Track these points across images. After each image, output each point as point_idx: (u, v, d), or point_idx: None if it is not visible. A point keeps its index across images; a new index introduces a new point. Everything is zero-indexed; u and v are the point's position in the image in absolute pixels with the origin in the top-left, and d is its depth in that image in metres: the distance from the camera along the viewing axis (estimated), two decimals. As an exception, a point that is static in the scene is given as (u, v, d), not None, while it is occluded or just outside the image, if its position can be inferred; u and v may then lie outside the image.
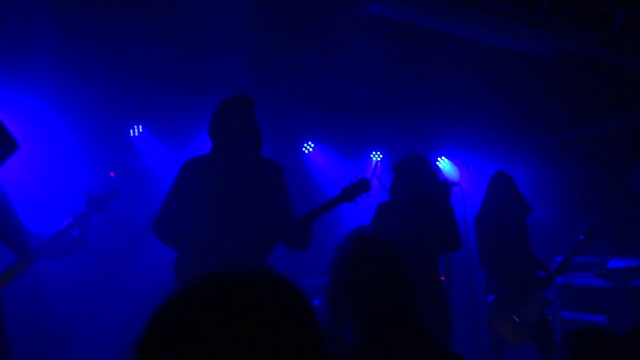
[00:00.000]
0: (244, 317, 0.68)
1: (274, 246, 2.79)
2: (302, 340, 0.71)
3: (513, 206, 3.88)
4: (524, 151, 6.79)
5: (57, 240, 2.77)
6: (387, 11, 3.58)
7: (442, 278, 3.46)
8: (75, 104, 4.53)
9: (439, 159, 6.69)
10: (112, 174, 4.75)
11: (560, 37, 3.83)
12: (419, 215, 3.25)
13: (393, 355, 1.38)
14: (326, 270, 1.58)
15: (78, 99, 4.52)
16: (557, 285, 5.04)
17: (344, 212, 5.34)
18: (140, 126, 5.15)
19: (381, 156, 6.33)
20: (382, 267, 1.47)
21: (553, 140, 6.44)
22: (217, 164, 2.80)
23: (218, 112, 2.88)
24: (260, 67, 4.73)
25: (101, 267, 4.46)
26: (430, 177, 3.33)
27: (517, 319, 3.67)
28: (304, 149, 5.97)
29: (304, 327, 0.73)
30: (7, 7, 3.60)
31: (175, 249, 2.75)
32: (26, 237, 2.57)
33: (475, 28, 3.77)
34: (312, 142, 5.98)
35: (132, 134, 5.13)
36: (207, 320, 0.68)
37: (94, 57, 4.40)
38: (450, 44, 4.19)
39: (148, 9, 3.80)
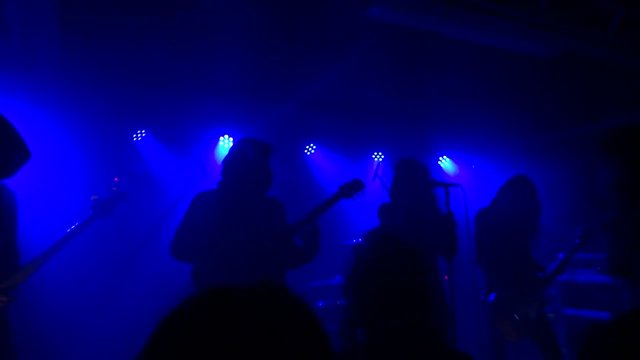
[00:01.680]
0: (246, 336, 0.67)
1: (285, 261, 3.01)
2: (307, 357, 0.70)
3: (522, 212, 3.77)
4: (525, 149, 6.82)
5: (60, 247, 2.80)
6: (387, 14, 3.61)
7: (446, 277, 3.50)
8: (78, 110, 4.57)
9: (440, 158, 6.71)
10: (116, 179, 4.79)
11: (559, 36, 3.86)
12: (416, 216, 3.40)
13: (405, 355, 1.41)
14: (342, 269, 1.61)
15: (81, 105, 4.56)
16: (559, 283, 5.06)
17: (347, 213, 5.38)
18: (143, 131, 5.19)
19: (383, 157, 6.36)
20: (401, 268, 1.49)
21: (553, 138, 6.46)
22: (226, 200, 3.00)
23: (237, 151, 3.07)
24: (262, 70, 4.77)
25: (105, 271, 4.50)
26: (425, 181, 3.51)
27: (517, 318, 3.70)
28: (305, 150, 6.00)
29: (309, 347, 0.71)
30: (11, 14, 3.64)
31: (195, 263, 2.98)
32: (16, 257, 2.60)
33: (474, 29, 3.80)
34: (313, 144, 6.02)
35: (135, 139, 5.17)
36: (209, 339, 0.67)
37: (96, 63, 4.44)
38: (449, 45, 4.21)
39: (150, 15, 3.83)
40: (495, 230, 3.78)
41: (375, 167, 6.17)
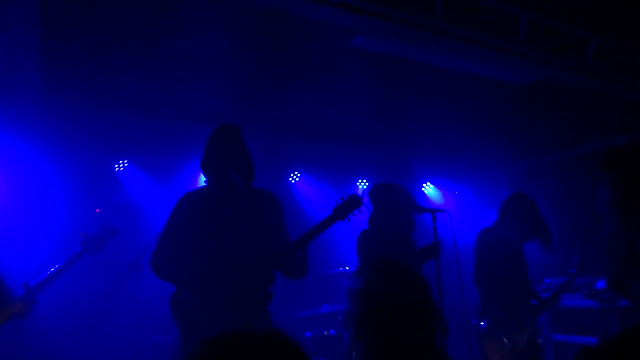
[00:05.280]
0: None
1: (275, 277, 2.76)
2: None
3: (523, 232, 3.75)
4: (507, 176, 6.90)
5: (48, 284, 2.71)
6: (371, 44, 3.67)
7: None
8: (59, 140, 4.51)
9: (424, 185, 6.75)
10: (97, 210, 4.71)
11: (538, 64, 3.96)
12: (397, 242, 3.30)
13: None
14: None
15: (62, 135, 4.50)
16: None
17: (333, 242, 5.34)
18: (125, 161, 5.13)
19: (368, 184, 6.37)
20: (405, 295, 1.46)
21: (534, 164, 6.56)
22: (210, 198, 2.77)
23: (207, 143, 2.85)
24: (246, 99, 4.78)
25: (87, 303, 4.37)
26: (406, 204, 3.40)
27: (509, 344, 3.66)
28: (290, 179, 5.99)
29: None
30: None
31: (173, 284, 2.70)
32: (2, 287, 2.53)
33: (456, 58, 3.88)
34: (298, 172, 6.01)
35: (117, 169, 5.10)
36: None
37: (78, 93, 4.41)
38: (432, 73, 4.29)
39: (132, 44, 3.83)
40: (498, 251, 3.73)
41: (361, 194, 6.16)
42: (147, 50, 3.91)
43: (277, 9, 3.31)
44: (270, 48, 4.00)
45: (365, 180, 6.38)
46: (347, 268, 4.96)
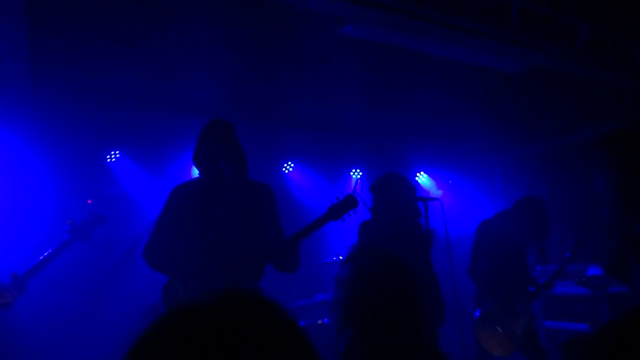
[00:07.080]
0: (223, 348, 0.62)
1: (264, 269, 2.77)
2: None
3: (529, 233, 3.75)
4: (501, 164, 6.92)
5: (36, 273, 2.71)
6: (361, 32, 3.64)
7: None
8: (49, 131, 4.48)
9: (417, 174, 6.76)
10: (89, 201, 4.68)
11: (529, 51, 3.95)
12: (403, 232, 3.27)
13: None
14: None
15: (52, 126, 4.47)
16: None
17: (326, 231, 5.35)
18: (117, 151, 5.10)
19: (361, 174, 6.37)
20: (391, 284, 1.45)
21: (527, 153, 6.58)
22: (202, 190, 2.79)
23: (199, 138, 2.86)
24: (239, 90, 4.75)
25: (79, 294, 4.36)
26: (409, 193, 3.37)
27: (503, 334, 3.68)
28: (284, 169, 5.98)
29: (293, 350, 0.67)
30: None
31: (166, 275, 2.73)
32: None
33: (447, 46, 3.86)
34: (292, 162, 6.00)
35: (109, 160, 5.08)
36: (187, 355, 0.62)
37: (68, 82, 4.37)
38: (424, 61, 4.28)
39: (124, 34, 3.80)
40: (499, 243, 3.72)
41: (353, 184, 6.17)
42: (138, 40, 3.88)
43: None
44: (261, 38, 3.98)
45: (358, 170, 6.37)
46: (341, 257, 4.98)
